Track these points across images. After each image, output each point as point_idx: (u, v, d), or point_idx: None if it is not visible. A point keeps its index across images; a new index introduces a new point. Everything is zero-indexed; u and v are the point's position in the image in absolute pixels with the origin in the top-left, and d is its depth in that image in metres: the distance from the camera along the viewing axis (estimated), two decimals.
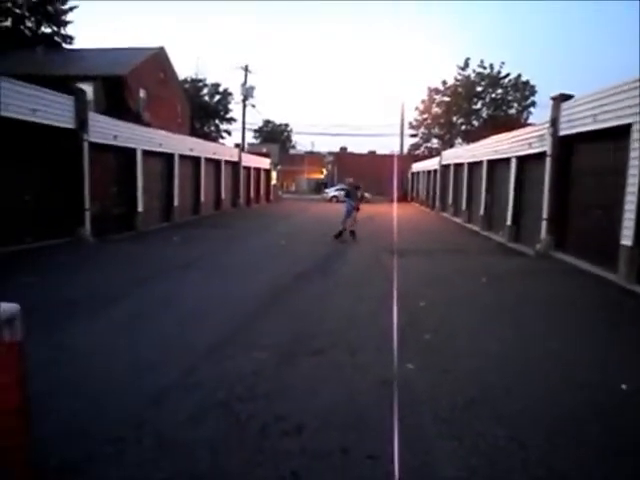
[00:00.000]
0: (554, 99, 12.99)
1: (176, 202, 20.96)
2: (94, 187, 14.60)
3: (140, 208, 17.56)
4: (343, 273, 10.27)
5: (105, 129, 15.31)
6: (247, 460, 3.28)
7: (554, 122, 12.88)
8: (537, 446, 3.53)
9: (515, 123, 37.08)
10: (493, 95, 50.46)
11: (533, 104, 49.33)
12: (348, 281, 9.41)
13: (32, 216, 12.64)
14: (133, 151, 17.24)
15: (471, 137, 41.56)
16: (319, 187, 61.28)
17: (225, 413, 3.92)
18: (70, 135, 13.78)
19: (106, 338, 5.75)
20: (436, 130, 53.57)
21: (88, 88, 18.27)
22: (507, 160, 16.72)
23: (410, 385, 4.45)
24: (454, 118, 51.43)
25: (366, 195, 45.50)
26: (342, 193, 17.32)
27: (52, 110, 12.95)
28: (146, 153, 18.06)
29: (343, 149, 63.88)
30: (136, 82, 27.50)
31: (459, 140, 50.36)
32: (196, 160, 23.71)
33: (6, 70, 15.00)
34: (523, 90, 49.58)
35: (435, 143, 53.58)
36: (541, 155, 13.62)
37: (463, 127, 51.51)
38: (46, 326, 5.80)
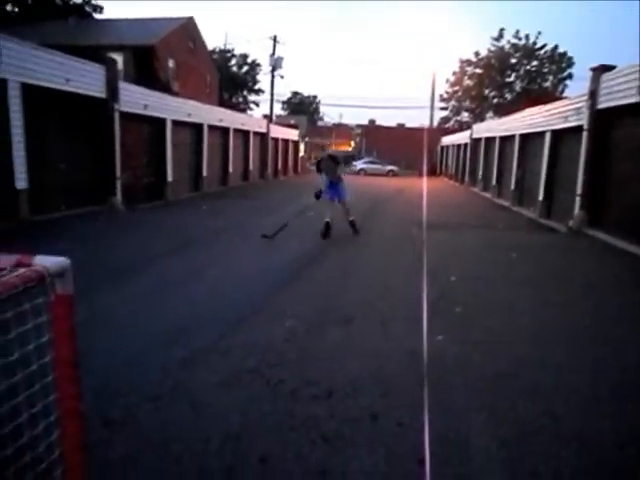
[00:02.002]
0: (594, 70, 12.52)
1: (205, 172, 21.08)
2: (125, 157, 14.79)
3: (170, 178, 17.74)
4: (372, 245, 10.24)
5: (135, 99, 15.40)
6: (279, 423, 3.35)
7: (593, 95, 12.43)
8: (570, 421, 3.51)
9: (550, 96, 35.93)
10: (528, 67, 48.94)
11: (570, 76, 47.73)
12: (378, 253, 9.39)
13: (66, 185, 12.88)
14: (163, 121, 17.33)
15: (503, 111, 40.49)
16: (347, 160, 60.88)
17: (256, 378, 3.99)
18: (101, 104, 13.91)
19: (139, 303, 5.89)
20: (467, 103, 52.44)
21: (118, 58, 18.40)
22: (541, 134, 16.28)
23: (440, 356, 4.45)
24: (486, 91, 50.18)
25: (394, 168, 45.37)
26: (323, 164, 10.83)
27: (84, 79, 13.07)
28: (175, 123, 18.14)
29: (372, 121, 62.98)
30: (165, 52, 27.50)
31: (490, 114, 49.20)
32: (225, 131, 23.72)
33: (39, 40, 15.13)
34: (560, 62, 47.92)
35: (465, 116, 52.53)
36: (577, 129, 13.20)
37: (495, 100, 50.27)
38: (80, 291, 5.95)
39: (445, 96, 53.08)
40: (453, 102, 53.28)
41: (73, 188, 13.15)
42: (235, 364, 4.22)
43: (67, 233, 10.19)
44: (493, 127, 25.07)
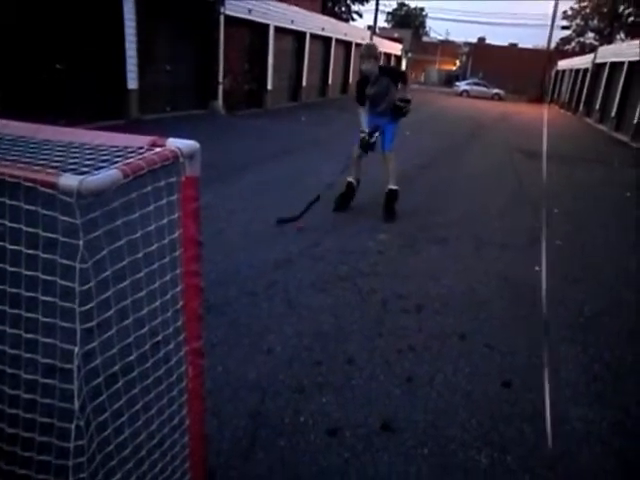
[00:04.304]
0: None
1: (304, 82, 20.83)
2: (227, 62, 14.86)
3: (270, 86, 17.72)
4: (471, 168, 9.84)
5: (240, 2, 15.16)
6: (368, 329, 3.46)
7: None
8: None
9: None
10: None
11: None
12: (477, 177, 9.04)
13: (171, 87, 13.26)
14: (266, 27, 17.07)
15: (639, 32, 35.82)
16: (450, 79, 57.62)
17: (348, 286, 4.09)
18: (208, 7, 13.85)
19: (240, 201, 6.12)
20: (595, 22, 46.77)
21: None
22: None
23: (535, 287, 4.30)
24: (621, 7, 44.25)
25: (500, 92, 42.35)
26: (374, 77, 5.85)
27: None
28: (278, 30, 17.82)
29: (481, 39, 58.60)
30: None
31: (621, 35, 43.68)
32: (327, 40, 23.06)
33: None
34: None
35: (590, 37, 47.13)
36: None
37: (631, 19, 44.32)
38: None
39: (570, 13, 47.63)
40: (578, 20, 47.78)
41: (177, 90, 13.53)
42: (328, 270, 4.35)
43: (174, 132, 10.45)
44: (623, 50, 22.35)
